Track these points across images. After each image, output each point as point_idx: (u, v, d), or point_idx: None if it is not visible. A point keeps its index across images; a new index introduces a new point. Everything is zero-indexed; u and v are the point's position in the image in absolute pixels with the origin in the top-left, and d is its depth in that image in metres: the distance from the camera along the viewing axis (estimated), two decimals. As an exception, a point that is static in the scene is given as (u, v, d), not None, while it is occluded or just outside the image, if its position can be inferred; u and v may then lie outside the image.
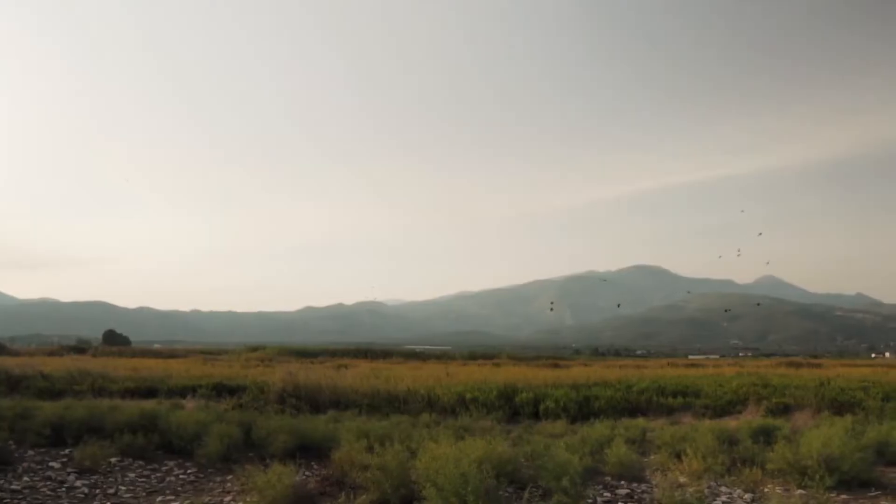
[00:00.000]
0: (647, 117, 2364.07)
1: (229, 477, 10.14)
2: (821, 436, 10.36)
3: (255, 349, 70.51)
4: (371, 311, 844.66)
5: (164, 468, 10.80)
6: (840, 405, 19.04)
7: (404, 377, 25.26)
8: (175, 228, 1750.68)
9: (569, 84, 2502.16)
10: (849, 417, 15.62)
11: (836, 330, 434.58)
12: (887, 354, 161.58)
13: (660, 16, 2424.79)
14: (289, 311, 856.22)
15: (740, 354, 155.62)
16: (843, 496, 9.13)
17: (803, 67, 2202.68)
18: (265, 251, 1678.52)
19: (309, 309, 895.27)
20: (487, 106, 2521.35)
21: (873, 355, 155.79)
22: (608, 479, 10.05)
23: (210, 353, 62.93)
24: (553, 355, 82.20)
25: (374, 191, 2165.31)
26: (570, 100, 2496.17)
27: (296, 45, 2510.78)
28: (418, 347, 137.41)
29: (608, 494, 9.14)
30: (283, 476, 8.32)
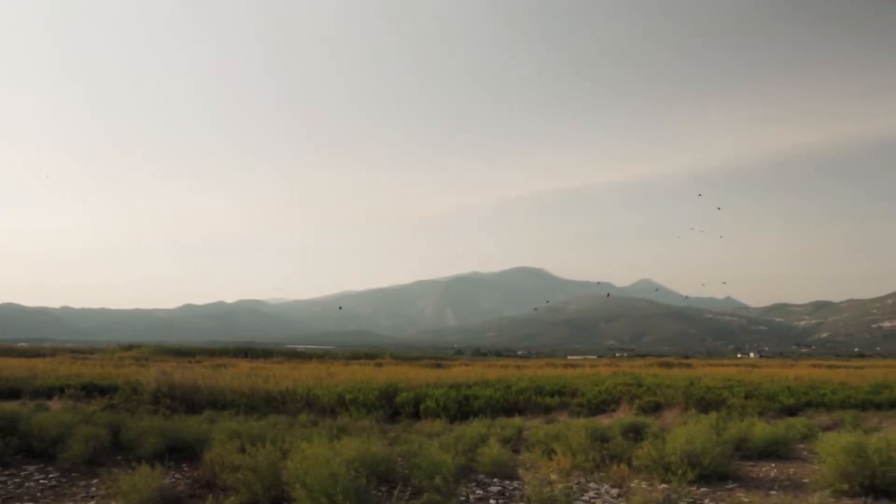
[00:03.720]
0: (531, 124, 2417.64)
1: (94, 481, 9.61)
2: (686, 433, 10.82)
3: (129, 348, 68.03)
4: (252, 310, 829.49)
5: (22, 473, 10.13)
6: (707, 403, 20.08)
7: (284, 377, 24.94)
8: (45, 222, 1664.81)
9: (460, 89, 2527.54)
10: (713, 414, 16.58)
11: (705, 332, 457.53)
12: (752, 355, 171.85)
13: (557, 17, 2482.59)
14: (167, 309, 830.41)
15: (616, 355, 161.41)
16: (703, 489, 9.57)
17: (689, 81, 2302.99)
18: (143, 247, 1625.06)
19: (188, 307, 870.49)
20: (376, 106, 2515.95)
21: (739, 356, 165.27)
22: (482, 476, 10.15)
23: (80, 352, 60.01)
24: (435, 355, 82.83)
25: (257, 190, 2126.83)
26: (457, 104, 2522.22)
27: (210, 32, 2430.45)
28: (300, 347, 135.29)
29: (480, 492, 9.24)
30: (150, 478, 8.01)
